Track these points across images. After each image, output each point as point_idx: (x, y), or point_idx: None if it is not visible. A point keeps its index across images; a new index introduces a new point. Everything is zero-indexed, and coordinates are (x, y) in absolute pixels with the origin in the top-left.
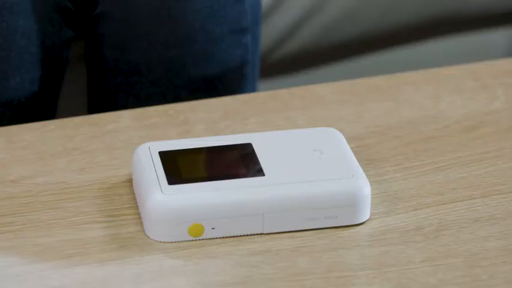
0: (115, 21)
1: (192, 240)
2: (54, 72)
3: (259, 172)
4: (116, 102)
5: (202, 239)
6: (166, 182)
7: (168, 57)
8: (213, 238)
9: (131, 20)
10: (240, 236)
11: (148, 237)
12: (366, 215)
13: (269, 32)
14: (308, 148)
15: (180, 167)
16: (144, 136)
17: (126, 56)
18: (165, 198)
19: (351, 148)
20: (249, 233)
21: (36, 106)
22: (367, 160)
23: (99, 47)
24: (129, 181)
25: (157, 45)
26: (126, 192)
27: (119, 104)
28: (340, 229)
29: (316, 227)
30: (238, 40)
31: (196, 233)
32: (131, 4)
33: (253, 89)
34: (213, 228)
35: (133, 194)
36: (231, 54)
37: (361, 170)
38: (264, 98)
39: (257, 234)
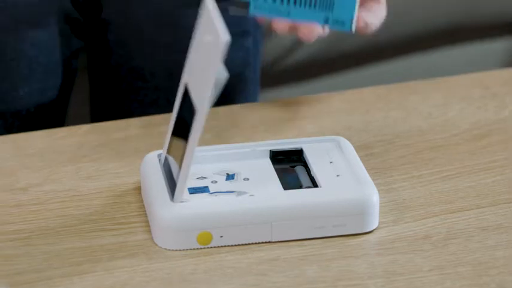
0: (118, 28)
1: (201, 248)
2: (63, 82)
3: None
4: (120, 109)
5: (211, 247)
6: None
7: (171, 62)
8: (221, 246)
9: (134, 26)
10: (249, 244)
11: (156, 245)
12: (374, 223)
13: (277, 41)
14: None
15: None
16: (152, 144)
17: (130, 62)
18: (173, 207)
19: (359, 157)
20: (257, 241)
21: (45, 116)
22: (375, 169)
23: (102, 53)
24: (138, 189)
25: (160, 50)
26: (134, 200)
27: (123, 111)
28: (348, 237)
29: (325, 236)
30: (240, 43)
31: (205, 241)
32: (134, 11)
33: (255, 92)
34: (221, 237)
35: (142, 201)
36: (233, 57)
37: (369, 179)
38: (272, 107)
39: (265, 242)
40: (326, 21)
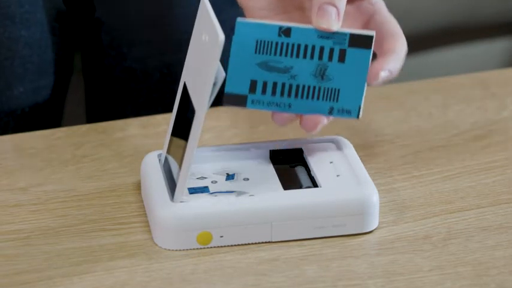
0: (111, 29)
1: (201, 248)
2: (58, 81)
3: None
4: (114, 109)
5: (211, 247)
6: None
7: (165, 63)
8: (221, 246)
9: (127, 27)
10: (249, 244)
11: (156, 245)
12: (374, 223)
13: None
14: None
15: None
16: (152, 144)
17: (123, 62)
18: (173, 207)
19: (360, 157)
20: (257, 241)
21: (41, 116)
22: (375, 169)
23: (96, 54)
24: (138, 189)
25: (154, 51)
26: (134, 200)
27: (117, 111)
28: (348, 237)
29: (325, 236)
30: None
31: (205, 241)
32: (127, 12)
33: None
34: (221, 237)
35: (142, 201)
36: (227, 58)
37: (369, 179)
38: None
39: (265, 242)
40: (331, 112)
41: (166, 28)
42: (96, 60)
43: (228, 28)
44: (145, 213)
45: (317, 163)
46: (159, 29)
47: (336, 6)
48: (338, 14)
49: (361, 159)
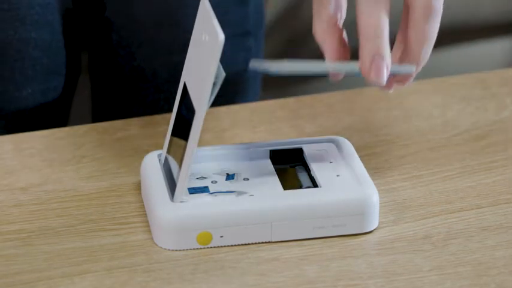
0: (120, 28)
1: (201, 249)
2: (66, 82)
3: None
4: (121, 109)
5: (211, 247)
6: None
7: (172, 63)
8: (221, 246)
9: (135, 27)
10: (249, 244)
11: (156, 245)
12: (374, 223)
13: (279, 39)
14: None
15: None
16: (152, 144)
17: (131, 62)
18: (173, 207)
19: (359, 157)
20: (257, 241)
21: (48, 116)
22: (375, 169)
23: (104, 53)
24: (138, 189)
25: (161, 51)
26: (134, 200)
27: (124, 111)
28: (348, 237)
29: (325, 236)
30: (241, 43)
31: (205, 241)
32: (135, 11)
33: (256, 92)
34: (221, 237)
35: (142, 201)
36: (234, 57)
37: (369, 179)
38: (272, 106)
39: (265, 242)
40: None
41: (174, 28)
42: (105, 60)
43: (234, 28)
44: (145, 213)
45: (317, 163)
46: (167, 28)
47: (385, 59)
48: (387, 68)
49: (361, 159)
